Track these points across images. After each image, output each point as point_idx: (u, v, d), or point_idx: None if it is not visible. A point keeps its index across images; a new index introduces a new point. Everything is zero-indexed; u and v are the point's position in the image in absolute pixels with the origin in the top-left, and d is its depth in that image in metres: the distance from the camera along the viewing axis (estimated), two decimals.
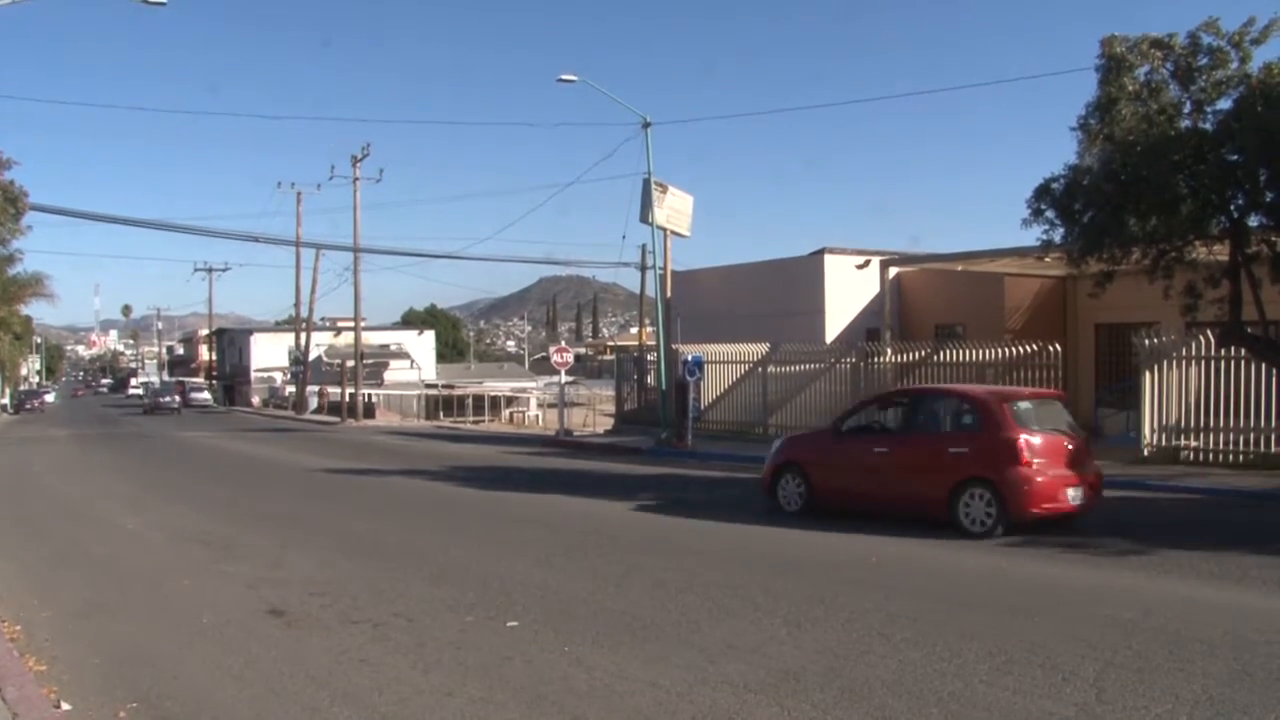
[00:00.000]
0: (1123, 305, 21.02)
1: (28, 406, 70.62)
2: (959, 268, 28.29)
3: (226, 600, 8.98)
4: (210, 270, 79.98)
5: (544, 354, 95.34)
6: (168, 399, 61.68)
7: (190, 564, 10.90)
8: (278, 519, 14.70)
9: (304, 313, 56.02)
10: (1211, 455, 18.18)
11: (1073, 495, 12.19)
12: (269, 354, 75.19)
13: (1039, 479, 11.98)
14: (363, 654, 7.14)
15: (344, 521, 14.12)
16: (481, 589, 9.28)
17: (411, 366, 70.81)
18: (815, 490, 13.98)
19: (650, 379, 31.50)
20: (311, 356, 57.81)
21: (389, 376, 67.80)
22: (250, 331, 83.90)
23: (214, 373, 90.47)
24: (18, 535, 13.40)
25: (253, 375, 75.30)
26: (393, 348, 74.46)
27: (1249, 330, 16.32)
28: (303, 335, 56.77)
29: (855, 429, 14.33)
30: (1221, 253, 16.18)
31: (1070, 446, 12.65)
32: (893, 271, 28.46)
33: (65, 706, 6.08)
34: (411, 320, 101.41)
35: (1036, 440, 12.26)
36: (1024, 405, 13.04)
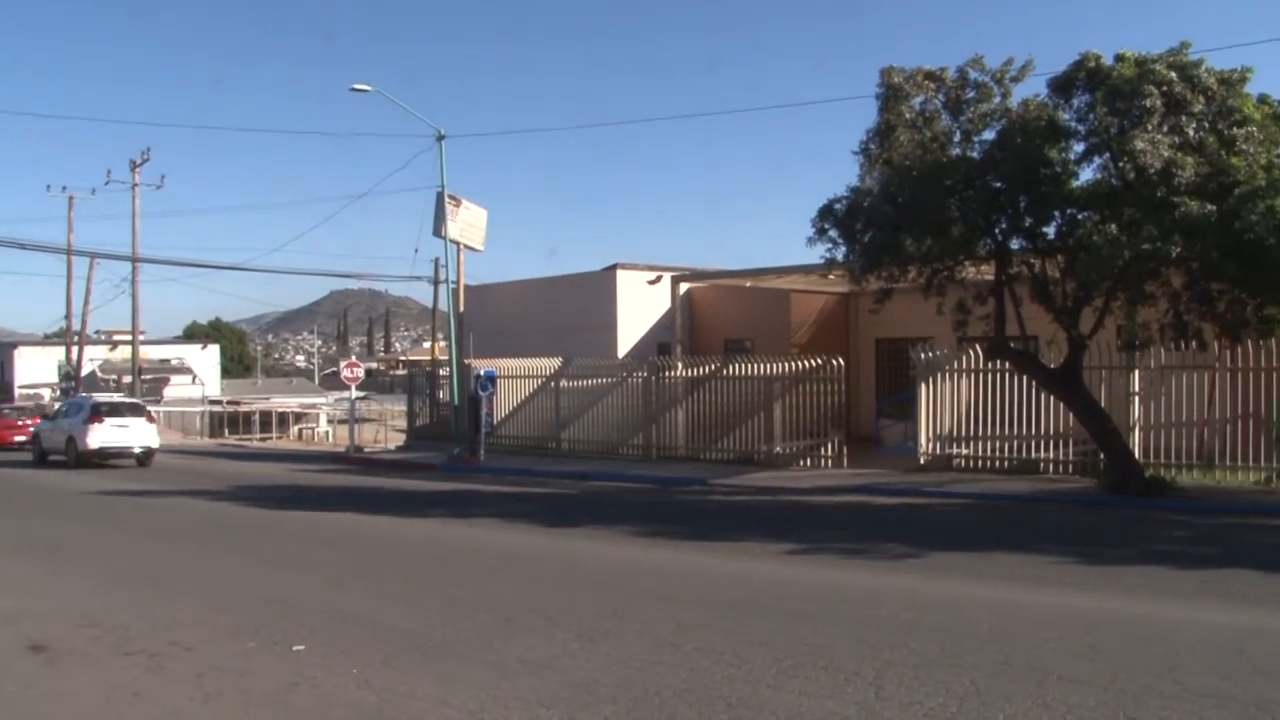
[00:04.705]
0: (901, 321, 22.08)
1: None
2: (748, 284, 29.06)
3: None
4: None
5: (334, 369, 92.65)
6: None
7: None
8: (43, 545, 13.70)
9: (76, 325, 52.73)
10: (981, 462, 19.27)
11: (17, 440, 34.05)
12: (36, 369, 70.17)
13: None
14: (136, 687, 6.71)
15: (118, 546, 13.32)
16: (266, 613, 8.91)
17: (194, 382, 67.50)
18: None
19: (443, 394, 31.06)
20: (85, 371, 54.45)
21: (170, 393, 64.45)
22: (15, 344, 78.04)
23: None
24: None
25: (17, 392, 69.96)
26: (174, 362, 70.84)
27: (1012, 345, 17.43)
28: (75, 349, 53.43)
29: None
30: (988, 272, 17.22)
31: (21, 423, 35.42)
32: (684, 287, 29.02)
33: None
34: (194, 334, 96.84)
35: None
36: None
